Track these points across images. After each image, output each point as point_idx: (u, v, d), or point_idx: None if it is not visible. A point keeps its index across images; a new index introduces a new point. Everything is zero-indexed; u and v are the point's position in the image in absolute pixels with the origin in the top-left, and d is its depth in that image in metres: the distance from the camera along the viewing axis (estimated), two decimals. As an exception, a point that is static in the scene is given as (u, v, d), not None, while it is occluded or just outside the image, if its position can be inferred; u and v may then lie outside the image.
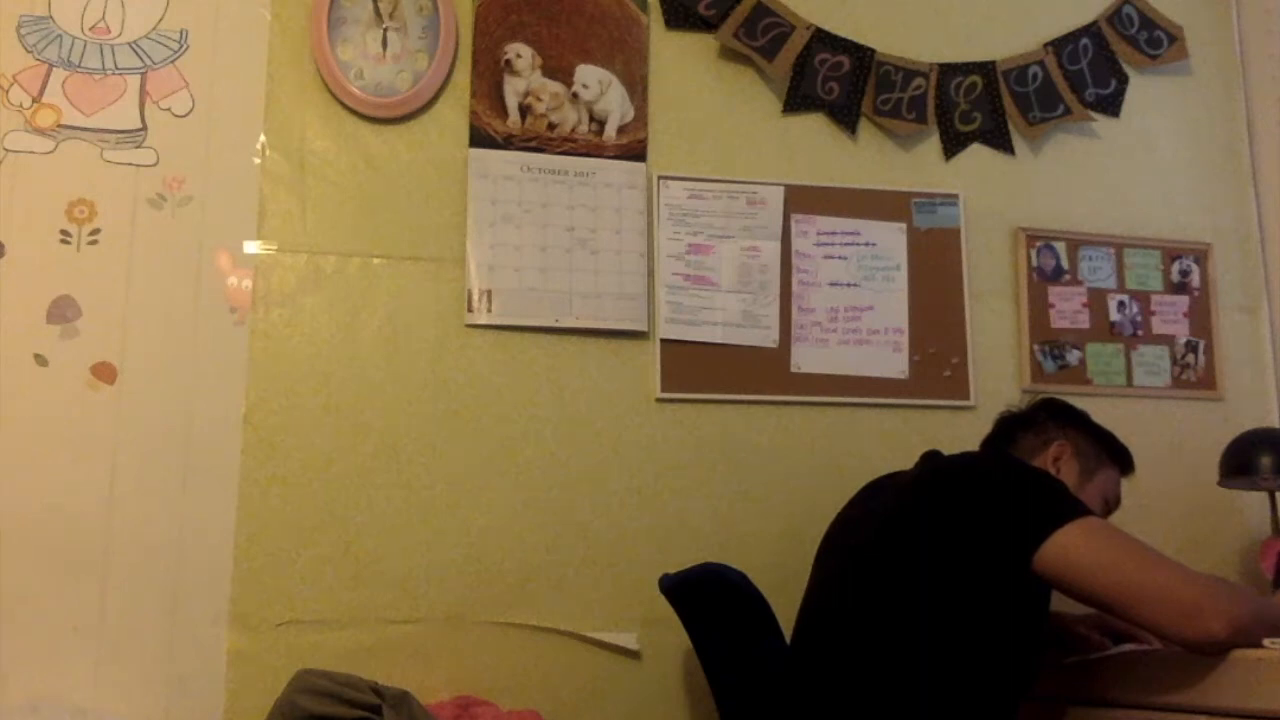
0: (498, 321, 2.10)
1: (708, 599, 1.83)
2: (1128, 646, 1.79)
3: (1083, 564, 1.53)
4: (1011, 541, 1.56)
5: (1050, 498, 1.59)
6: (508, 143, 2.17)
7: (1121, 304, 2.42)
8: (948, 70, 2.40)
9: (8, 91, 2.00)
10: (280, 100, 2.10)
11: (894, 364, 2.26)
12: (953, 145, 2.39)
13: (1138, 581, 1.49)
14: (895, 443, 2.22)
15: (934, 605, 1.59)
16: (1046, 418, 1.92)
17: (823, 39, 2.33)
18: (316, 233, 2.08)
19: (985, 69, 2.42)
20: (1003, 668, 1.59)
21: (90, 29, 2.06)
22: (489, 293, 2.11)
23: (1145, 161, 2.51)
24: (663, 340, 2.17)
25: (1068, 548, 1.53)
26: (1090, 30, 2.50)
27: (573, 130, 2.20)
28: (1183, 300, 2.46)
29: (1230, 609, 1.44)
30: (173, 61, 2.08)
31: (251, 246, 2.05)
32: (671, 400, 2.16)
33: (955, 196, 2.36)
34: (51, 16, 2.05)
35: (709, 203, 2.23)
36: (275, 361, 2.02)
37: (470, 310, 2.10)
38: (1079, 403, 2.35)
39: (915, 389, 2.26)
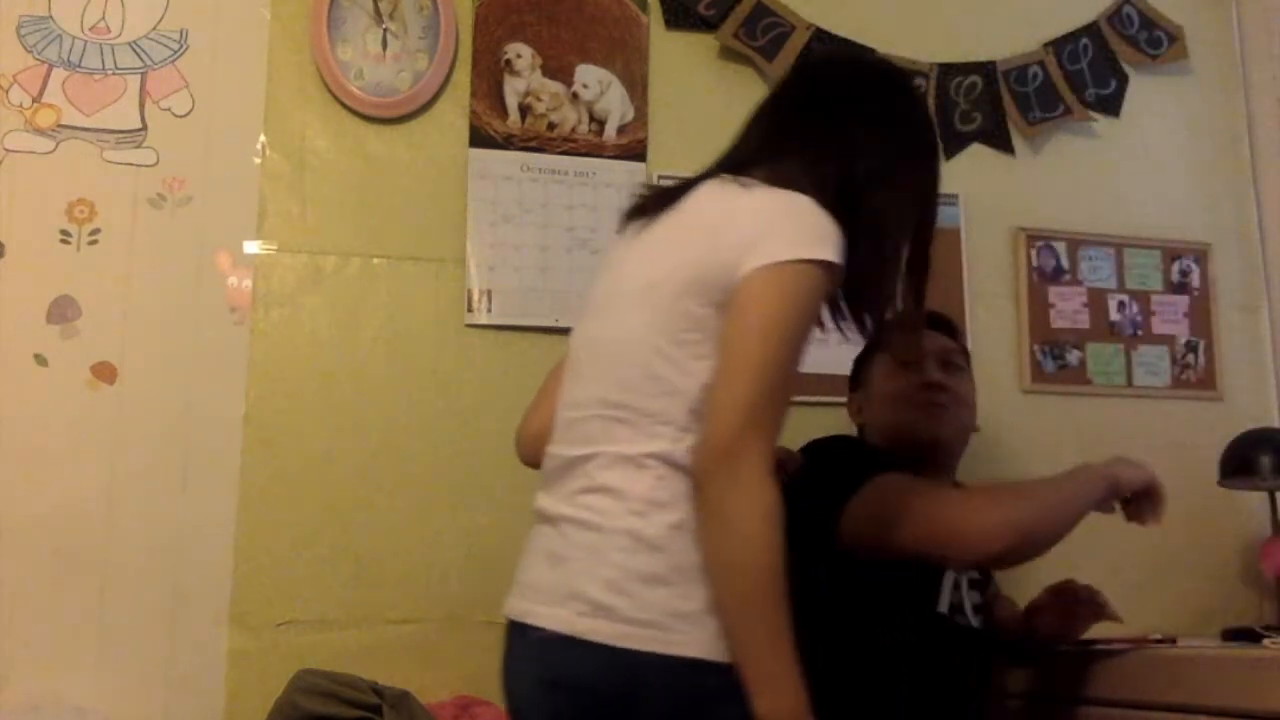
0: (498, 321, 2.10)
1: None
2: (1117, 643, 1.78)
3: (865, 532, 1.57)
4: (817, 529, 1.61)
5: (831, 477, 1.64)
6: (508, 143, 2.17)
7: (1121, 304, 2.42)
8: (948, 70, 2.40)
9: (8, 91, 2.00)
10: (280, 100, 2.10)
11: (894, 364, 2.26)
12: (953, 145, 2.39)
13: (913, 530, 1.52)
14: (895, 443, 2.22)
15: (799, 601, 1.64)
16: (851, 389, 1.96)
17: (823, 39, 2.33)
18: (316, 233, 2.08)
19: (985, 69, 2.42)
20: (874, 663, 1.60)
21: (90, 29, 2.06)
22: (489, 293, 2.11)
23: (1145, 161, 2.51)
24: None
25: (854, 518, 1.58)
26: (1090, 30, 2.50)
27: (573, 130, 2.20)
28: (1183, 300, 2.46)
29: (1000, 523, 1.48)
30: (173, 61, 2.08)
31: (251, 246, 2.05)
32: (671, 400, 2.15)
33: (955, 196, 2.36)
34: (51, 16, 2.05)
35: (709, 203, 2.23)
36: (275, 361, 2.02)
37: (470, 310, 2.10)
38: (1079, 403, 2.37)
39: (915, 389, 2.25)
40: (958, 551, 1.52)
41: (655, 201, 1.37)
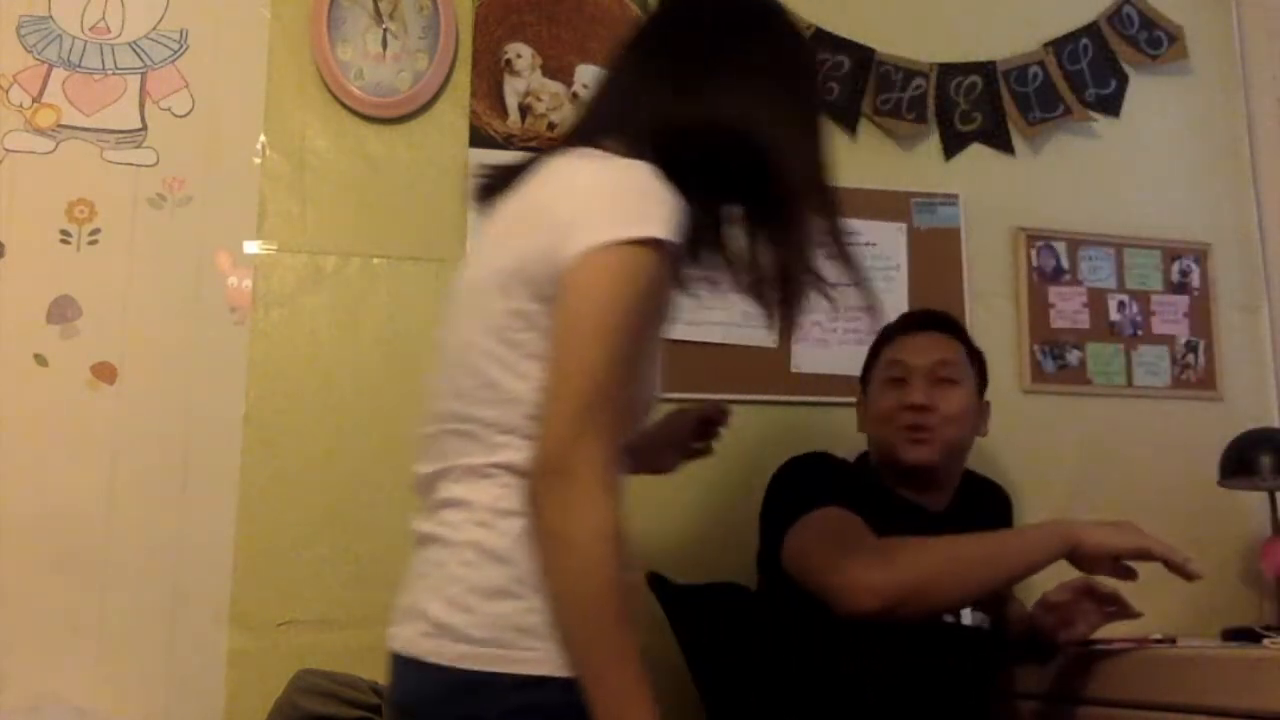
0: (498, 321, 2.10)
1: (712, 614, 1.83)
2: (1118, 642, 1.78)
3: (793, 569, 1.65)
4: (770, 552, 1.70)
5: (782, 503, 1.72)
6: (508, 143, 2.16)
7: (1121, 304, 2.42)
8: (948, 70, 2.39)
9: (8, 91, 2.00)
10: (280, 100, 2.10)
11: (894, 364, 2.26)
12: (953, 145, 2.39)
13: (814, 574, 1.59)
14: (895, 443, 2.22)
15: (771, 632, 1.70)
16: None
17: (823, 39, 2.33)
18: (316, 233, 2.08)
19: (985, 69, 2.42)
20: (839, 692, 1.61)
21: (90, 29, 2.06)
22: (489, 293, 2.11)
23: (1145, 161, 2.51)
24: (662, 340, 2.16)
25: (787, 553, 1.66)
26: (1090, 30, 2.50)
27: (573, 130, 2.20)
28: (1183, 300, 2.46)
29: (877, 584, 1.51)
30: (173, 61, 2.08)
31: (251, 246, 2.05)
32: (672, 400, 2.15)
33: (955, 196, 2.36)
34: (51, 16, 2.05)
35: (709, 203, 2.23)
36: (275, 361, 2.02)
37: (470, 310, 2.10)
38: (1079, 403, 2.37)
39: (915, 389, 2.25)
40: (837, 606, 1.53)
41: (502, 180, 1.25)
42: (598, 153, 1.17)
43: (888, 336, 1.90)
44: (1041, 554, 1.57)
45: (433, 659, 1.08)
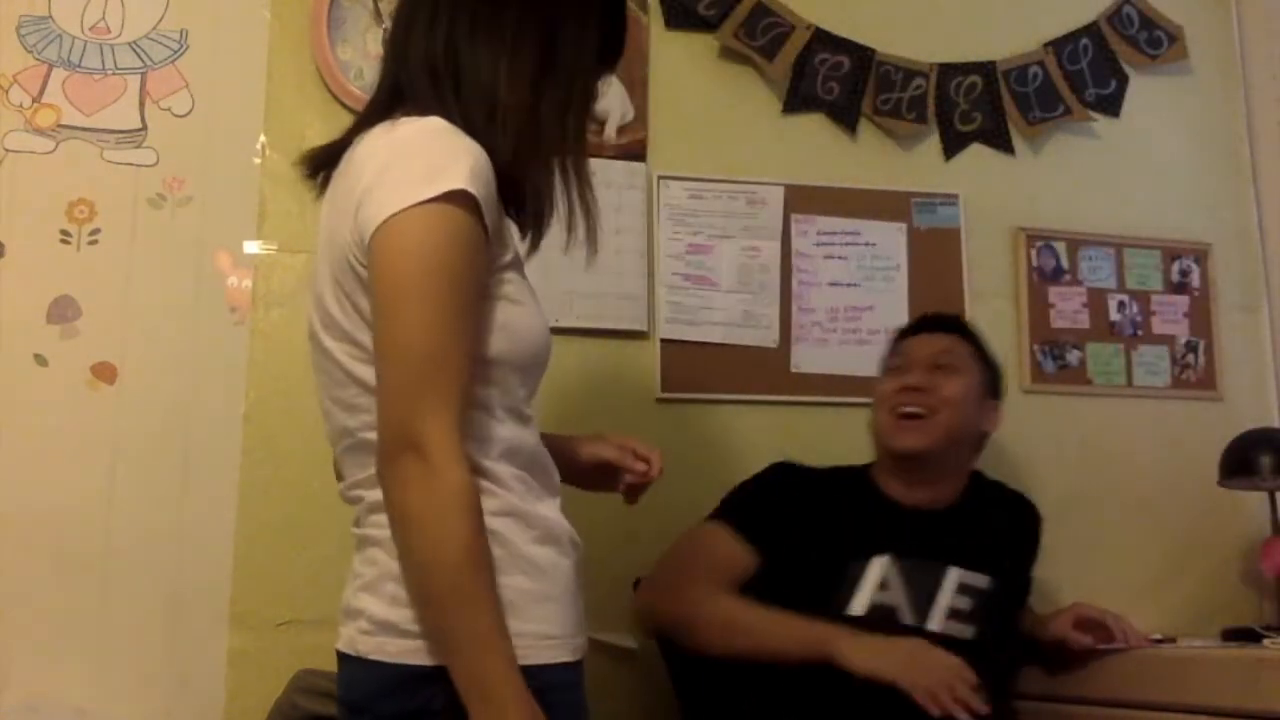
0: (498, 321, 2.10)
1: None
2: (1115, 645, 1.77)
3: None
4: None
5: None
6: (508, 143, 2.16)
7: (1121, 304, 2.42)
8: (948, 70, 2.39)
9: (8, 91, 2.00)
10: (280, 100, 2.10)
11: (894, 364, 2.26)
12: (953, 145, 2.39)
13: None
14: (895, 443, 2.21)
15: None
16: None
17: (823, 39, 2.33)
18: (316, 233, 2.07)
19: (985, 69, 2.42)
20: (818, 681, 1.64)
21: (90, 29, 2.06)
22: (489, 293, 2.11)
23: (1145, 161, 2.51)
24: (663, 340, 2.17)
25: None
26: (1090, 30, 2.50)
27: (573, 130, 2.19)
28: (1183, 300, 2.46)
29: (655, 612, 1.80)
30: (173, 61, 2.08)
31: (251, 246, 2.05)
32: (671, 400, 2.16)
33: (955, 196, 2.36)
34: (51, 16, 2.04)
35: (709, 203, 2.23)
36: (275, 361, 2.01)
37: (470, 310, 2.10)
38: (1079, 403, 2.37)
39: (915, 389, 2.25)
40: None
41: (325, 163, 1.22)
42: (400, 121, 1.13)
43: (900, 334, 1.94)
44: (799, 652, 1.64)
45: (376, 656, 1.08)
